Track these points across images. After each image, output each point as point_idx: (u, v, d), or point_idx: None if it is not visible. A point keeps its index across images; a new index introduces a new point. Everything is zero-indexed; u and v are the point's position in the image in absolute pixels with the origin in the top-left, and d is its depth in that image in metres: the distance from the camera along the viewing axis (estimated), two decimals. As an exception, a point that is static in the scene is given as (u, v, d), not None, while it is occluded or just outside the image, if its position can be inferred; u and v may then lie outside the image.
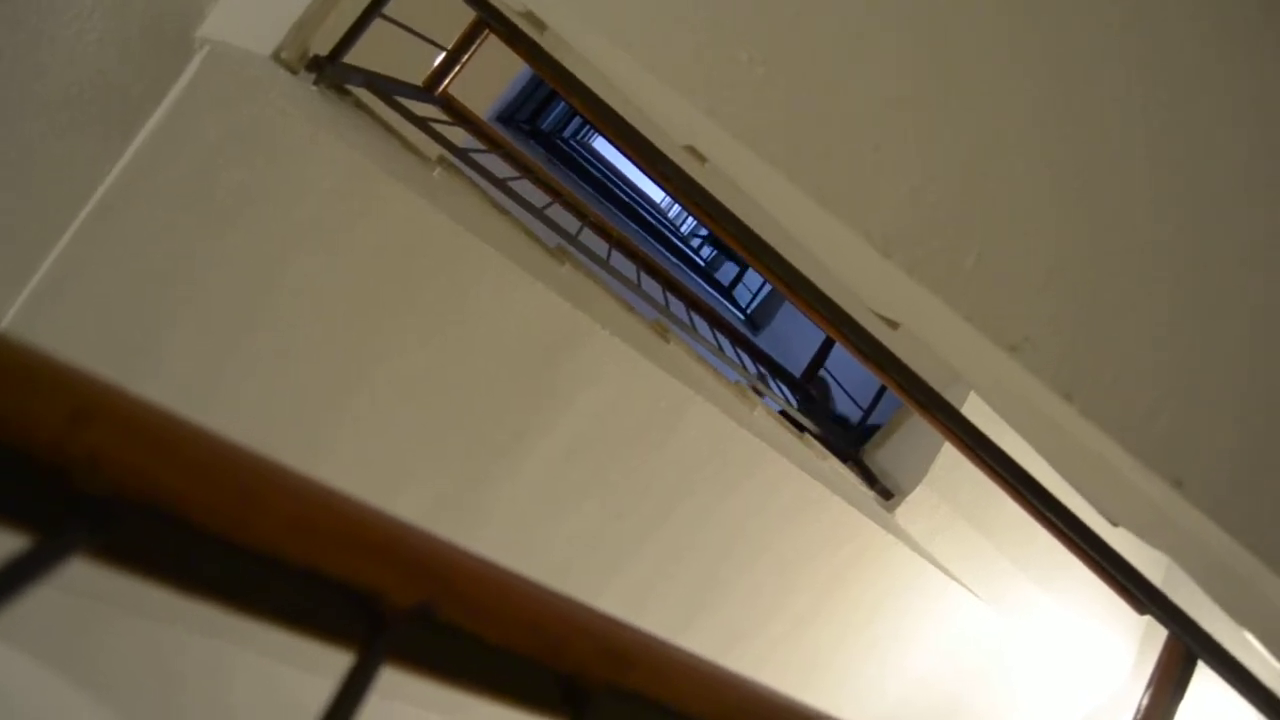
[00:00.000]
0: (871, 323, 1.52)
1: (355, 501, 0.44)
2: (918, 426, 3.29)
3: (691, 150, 1.45)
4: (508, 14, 1.76)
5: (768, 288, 7.43)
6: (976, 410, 1.70)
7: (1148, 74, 0.67)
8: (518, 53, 2.29)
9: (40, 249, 1.61)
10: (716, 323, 3.85)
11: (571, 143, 9.01)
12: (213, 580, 0.39)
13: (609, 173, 9.66)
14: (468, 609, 0.47)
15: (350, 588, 0.42)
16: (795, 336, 5.90)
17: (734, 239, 2.16)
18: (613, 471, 2.34)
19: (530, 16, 1.56)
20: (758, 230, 1.70)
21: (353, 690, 0.39)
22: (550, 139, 7.61)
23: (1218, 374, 0.65)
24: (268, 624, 0.41)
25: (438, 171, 2.08)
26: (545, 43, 1.82)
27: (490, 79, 3.99)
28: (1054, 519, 1.54)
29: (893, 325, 1.33)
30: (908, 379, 1.54)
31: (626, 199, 8.68)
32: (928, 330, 1.06)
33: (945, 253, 0.76)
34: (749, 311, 7.75)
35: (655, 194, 11.85)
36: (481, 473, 2.20)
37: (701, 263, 9.50)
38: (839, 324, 1.66)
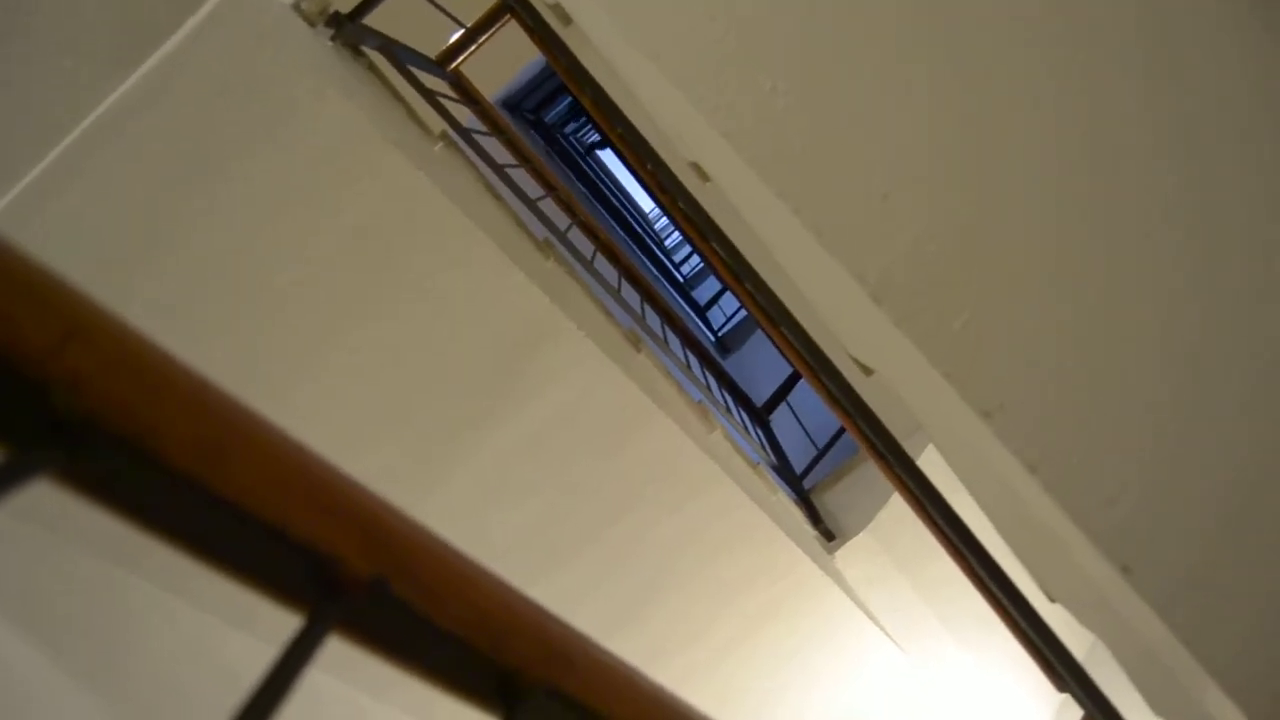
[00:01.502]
0: (845, 365, 1.54)
1: (329, 465, 0.44)
2: (870, 473, 3.32)
3: (696, 167, 1.46)
4: (535, 2, 1.76)
5: (742, 314, 7.45)
6: (931, 464, 1.72)
7: (1172, 179, 0.68)
8: (535, 42, 2.29)
9: (27, 161, 1.57)
10: (689, 341, 3.87)
11: (571, 140, 9.00)
12: (175, 522, 0.39)
13: (603, 175, 9.66)
14: (422, 589, 0.46)
15: (311, 550, 0.42)
16: (762, 366, 5.92)
17: (721, 261, 2.17)
18: (564, 471, 2.33)
19: (558, 9, 1.55)
20: (747, 256, 1.71)
21: (298, 653, 0.38)
22: (551, 132, 7.59)
23: (1185, 473, 0.66)
24: (222, 574, 0.40)
25: (439, 147, 2.07)
26: (567, 37, 1.82)
27: (503, 63, 3.98)
28: (991, 585, 1.56)
29: (867, 371, 1.34)
30: (872, 426, 1.55)
31: (617, 203, 8.69)
32: (903, 381, 1.07)
33: (935, 310, 0.76)
34: (720, 334, 7.77)
35: (645, 203, 11.87)
36: (433, 451, 2.18)
37: (681, 278, 9.52)
38: (812, 362, 1.67)
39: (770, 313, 1.94)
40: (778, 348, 4.88)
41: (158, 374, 0.38)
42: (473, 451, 2.18)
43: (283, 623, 0.44)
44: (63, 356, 0.34)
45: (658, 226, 12.12)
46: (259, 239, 1.79)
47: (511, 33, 2.61)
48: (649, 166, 2.24)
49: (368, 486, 0.46)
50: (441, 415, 2.13)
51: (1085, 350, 0.71)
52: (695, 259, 10.07)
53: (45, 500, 0.37)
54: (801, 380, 4.76)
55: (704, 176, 1.48)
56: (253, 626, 2.06)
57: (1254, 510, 0.67)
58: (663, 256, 9.55)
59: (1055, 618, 1.44)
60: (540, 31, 2.05)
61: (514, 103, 6.15)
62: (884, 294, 0.78)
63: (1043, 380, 0.73)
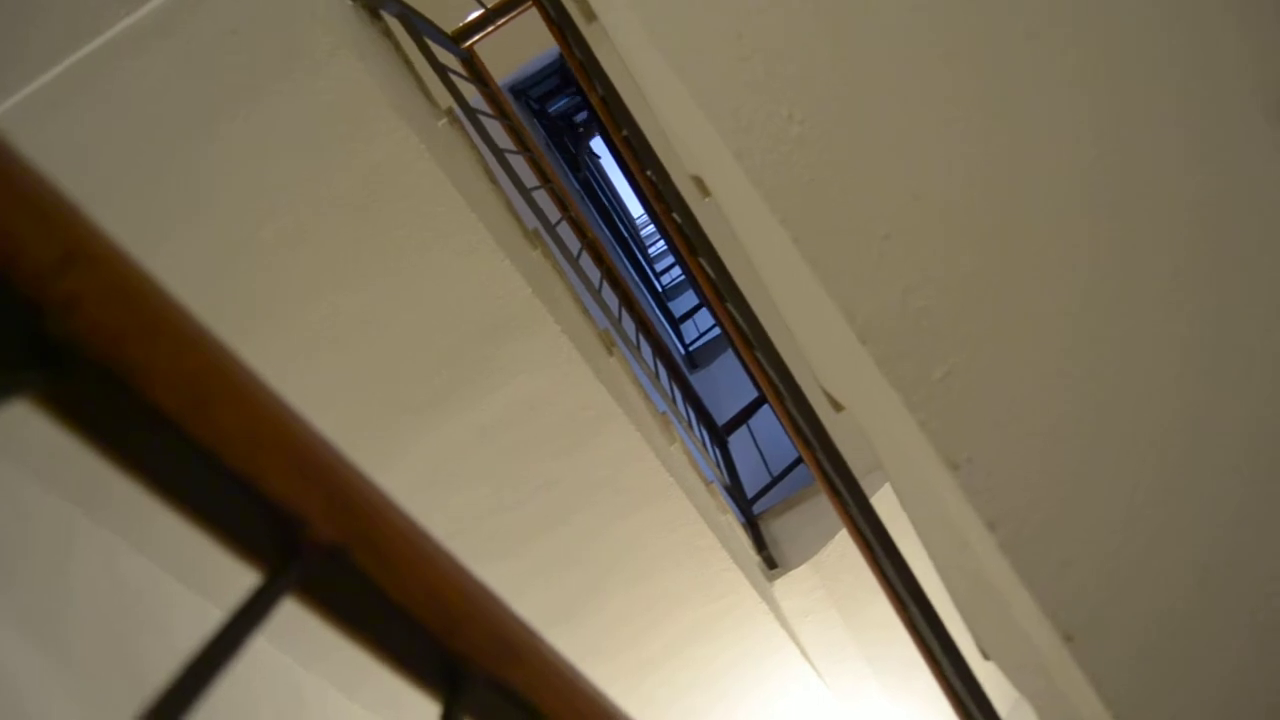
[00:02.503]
0: (815, 396, 1.55)
1: (310, 427, 0.44)
2: (820, 506, 3.34)
3: (698, 181, 1.46)
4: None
5: (714, 332, 7.48)
6: (884, 504, 1.74)
7: (1171, 261, 0.70)
8: (553, 32, 2.29)
9: (35, 70, 1.54)
10: (660, 351, 3.87)
11: (571, 135, 8.99)
12: (147, 460, 0.38)
13: (596, 174, 9.66)
14: (384, 563, 0.46)
15: (279, 508, 0.41)
16: (727, 387, 5.95)
17: (705, 277, 2.18)
18: (521, 463, 2.32)
19: (584, 4, 1.55)
20: (733, 277, 1.71)
21: (252, 611, 0.38)
22: (553, 124, 7.58)
23: (1144, 552, 0.67)
24: (186, 520, 0.39)
25: (443, 123, 2.06)
26: (588, 33, 1.82)
27: (516, 49, 3.96)
28: (925, 634, 1.58)
29: (838, 407, 1.35)
30: (833, 461, 1.56)
31: (606, 204, 8.68)
32: (874, 423, 1.08)
33: (918, 357, 0.77)
34: (691, 349, 7.80)
35: (635, 209, 11.87)
36: (392, 425, 2.16)
37: (660, 288, 9.54)
38: (782, 389, 1.68)
39: (747, 335, 1.95)
40: (748, 371, 4.90)
41: (155, 310, 0.37)
42: (431, 430, 2.16)
43: (231, 584, 0.43)
44: (62, 278, 0.34)
45: (644, 233, 12.14)
46: (252, 186, 1.77)
47: (530, 20, 2.61)
48: (648, 173, 2.24)
49: (343, 453, 0.45)
50: (406, 390, 2.11)
51: (1062, 417, 0.72)
52: (676, 271, 10.09)
53: (13, 425, 0.36)
54: (764, 406, 4.79)
55: (704, 191, 1.48)
56: (202, 586, 2.04)
57: (1212, 599, 0.68)
58: (644, 263, 9.56)
59: (985, 673, 1.46)
60: (560, 23, 2.05)
61: (520, 90, 6.13)
62: (870, 334, 0.78)
63: (1015, 440, 0.74)
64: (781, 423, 2.83)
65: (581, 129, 9.38)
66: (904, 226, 0.77)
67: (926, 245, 0.77)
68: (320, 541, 0.43)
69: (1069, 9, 0.74)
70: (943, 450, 0.77)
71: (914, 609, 1.50)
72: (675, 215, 2.26)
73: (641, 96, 1.74)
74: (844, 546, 3.09)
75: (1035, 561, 0.72)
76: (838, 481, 1.80)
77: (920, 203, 0.77)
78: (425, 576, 0.48)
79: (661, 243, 11.02)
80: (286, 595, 0.42)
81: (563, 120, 8.55)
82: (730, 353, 5.83)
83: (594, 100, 2.49)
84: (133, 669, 1.79)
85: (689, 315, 8.52)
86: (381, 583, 0.46)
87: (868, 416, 1.12)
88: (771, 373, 1.77)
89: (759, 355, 2.18)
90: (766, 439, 4.66)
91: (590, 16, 1.58)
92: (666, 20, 0.82)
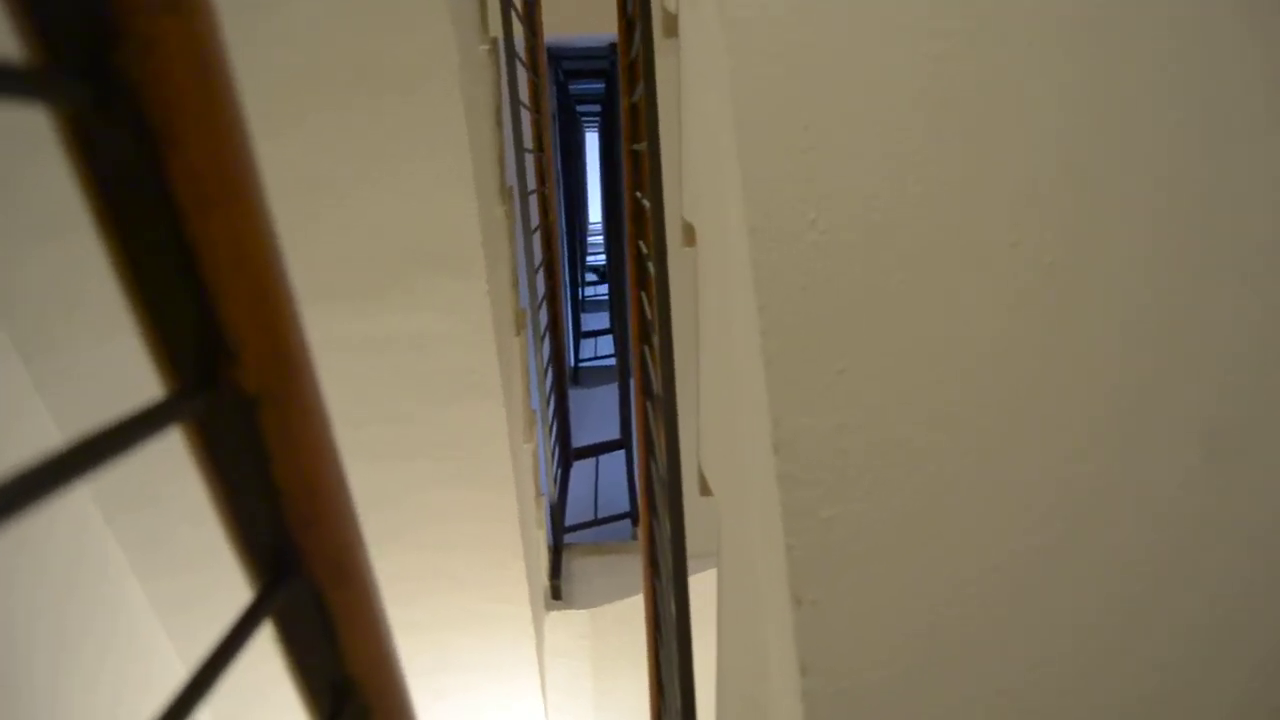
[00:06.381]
0: (690, 471, 1.57)
1: (288, 279, 0.42)
2: (626, 565, 3.36)
3: (688, 228, 1.47)
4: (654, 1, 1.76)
5: (609, 361, 7.50)
6: (697, 588, 1.75)
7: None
8: (620, 25, 2.29)
9: None
10: (557, 354, 3.86)
11: (573, 121, 8.96)
12: (130, 229, 0.36)
13: (576, 167, 9.64)
14: (284, 432, 0.44)
15: (221, 333, 0.39)
16: (595, 416, 5.96)
17: (640, 313, 2.19)
18: (383, 389, 2.27)
19: (669, 20, 1.56)
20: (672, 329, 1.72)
21: (141, 426, 0.36)
22: (564, 103, 7.54)
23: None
24: (131, 298, 0.37)
25: (485, 49, 2.03)
26: (659, 44, 1.82)
27: (575, 17, 3.93)
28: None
29: (706, 490, 1.37)
30: (675, 534, 1.58)
31: (573, 198, 8.66)
32: (736, 523, 1.10)
33: (818, 491, 0.79)
34: (579, 365, 7.80)
35: (594, 214, 11.87)
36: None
37: (580, 296, 9.53)
38: (660, 448, 1.70)
39: (651, 383, 1.97)
40: (623, 411, 4.93)
41: (215, 99, 0.35)
42: (321, 318, 2.09)
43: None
44: (155, 20, 0.32)
45: (590, 240, 12.13)
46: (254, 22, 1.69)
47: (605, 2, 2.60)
48: (639, 194, 2.25)
49: (304, 328, 0.44)
50: (321, 275, 2.04)
51: (920, 619, 0.74)
52: (603, 288, 10.11)
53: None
54: (620, 451, 4.82)
55: (690, 240, 1.50)
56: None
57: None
58: (578, 269, 9.55)
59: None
60: (632, 19, 2.05)
61: (554, 55, 6.10)
62: (785, 449, 0.80)
63: (866, 610, 0.76)
64: (637, 476, 2.84)
65: (584, 120, 9.37)
66: (861, 373, 0.79)
67: (873, 402, 0.79)
68: (239, 384, 0.41)
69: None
70: (795, 582, 0.78)
71: (675, 700, 1.52)
72: (642, 244, 2.28)
73: (669, 125, 1.75)
74: (629, 613, 3.12)
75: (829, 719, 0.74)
76: (663, 554, 1.82)
77: (884, 369, 0.79)
78: (313, 466, 0.47)
79: (599, 257, 11.03)
80: (183, 420, 0.40)
81: (574, 103, 8.52)
82: (612, 387, 5.85)
83: (623, 104, 2.50)
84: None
85: (593, 335, 8.53)
86: (271, 450, 0.44)
87: (733, 514, 1.14)
88: (660, 428, 1.79)
89: (650, 405, 2.20)
90: (606, 481, 4.68)
91: (670, 32, 1.59)
92: (752, 78, 0.83)
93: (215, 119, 0.35)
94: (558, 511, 3.71)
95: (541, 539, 3.13)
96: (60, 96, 0.30)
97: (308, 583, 0.50)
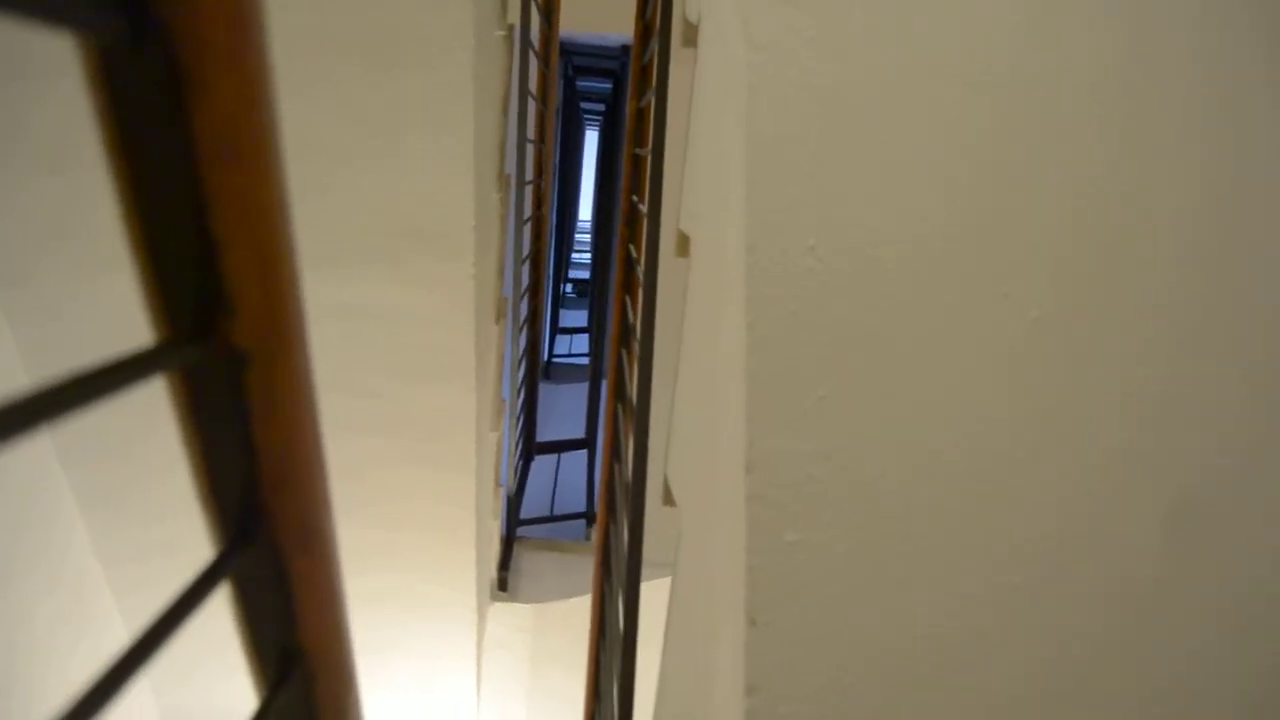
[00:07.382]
0: (654, 479, 1.56)
1: (294, 243, 0.42)
2: (576, 565, 3.36)
3: (683, 238, 1.47)
4: (678, 11, 1.76)
5: (583, 360, 7.49)
6: (648, 598, 1.75)
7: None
8: (637, 28, 2.29)
9: None
10: (533, 347, 3.85)
11: (575, 117, 8.95)
12: (149, 162, 0.35)
13: (572, 163, 9.62)
14: (268, 392, 0.44)
15: (221, 283, 0.39)
16: (561, 413, 5.95)
17: (622, 316, 2.19)
18: (355, 360, 2.25)
19: (690, 29, 1.56)
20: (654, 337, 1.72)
21: (128, 372, 0.35)
22: (569, 98, 7.54)
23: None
24: (134, 239, 0.37)
25: (501, 35, 2.02)
26: (675, 53, 1.83)
27: (592, 13, 3.93)
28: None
29: (670, 501, 1.37)
30: (633, 541, 1.58)
31: (564, 194, 8.65)
32: (697, 537, 1.10)
33: (785, 514, 0.79)
34: (552, 360, 7.78)
35: (585, 212, 11.85)
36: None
37: (562, 292, 9.52)
38: (626, 453, 1.70)
39: (626, 388, 1.96)
40: (590, 411, 4.92)
41: (253, 34, 0.35)
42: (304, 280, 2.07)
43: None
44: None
45: (577, 237, 12.10)
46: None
47: (623, 3, 2.60)
48: (635, 199, 2.26)
49: (301, 290, 0.43)
50: (304, 248, 2.02)
51: (873, 657, 0.75)
52: (584, 273, 10.08)
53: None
54: (583, 451, 4.82)
55: (683, 251, 1.50)
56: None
57: None
58: (562, 264, 9.53)
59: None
60: (650, 25, 2.05)
61: (566, 49, 6.09)
62: (757, 468, 0.80)
63: (821, 635, 0.76)
64: (599, 477, 2.84)
65: (586, 117, 9.36)
66: (841, 402, 0.80)
67: (849, 433, 0.80)
68: (232, 339, 0.41)
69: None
70: (752, 602, 0.78)
71: (612, 710, 1.52)
72: (633, 248, 2.28)
73: (674, 134, 1.75)
74: (573, 612, 3.11)
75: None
76: (617, 558, 1.82)
77: (865, 401, 0.80)
78: (292, 429, 0.46)
79: (585, 255, 11.02)
80: (172, 369, 0.39)
81: (579, 100, 8.52)
82: (581, 385, 5.84)
83: (630, 107, 2.50)
84: None
85: (570, 331, 8.52)
86: (254, 408, 0.43)
87: (695, 527, 1.14)
88: (630, 432, 1.79)
89: (622, 408, 2.20)
90: (565, 480, 4.67)
91: (689, 43, 1.59)
92: (770, 101, 0.84)
93: (246, 70, 0.35)
94: (514, 503, 3.69)
95: (495, 529, 3.11)
96: (94, 26, 0.30)
97: (271, 546, 0.50)
